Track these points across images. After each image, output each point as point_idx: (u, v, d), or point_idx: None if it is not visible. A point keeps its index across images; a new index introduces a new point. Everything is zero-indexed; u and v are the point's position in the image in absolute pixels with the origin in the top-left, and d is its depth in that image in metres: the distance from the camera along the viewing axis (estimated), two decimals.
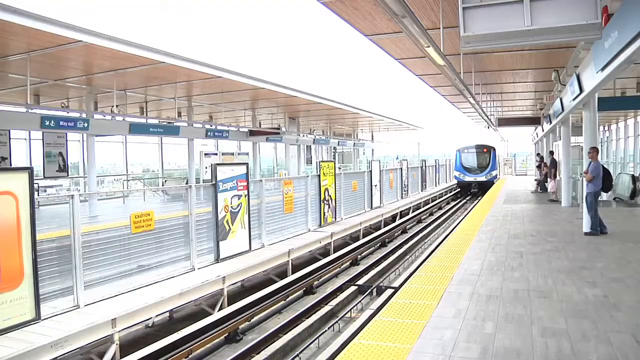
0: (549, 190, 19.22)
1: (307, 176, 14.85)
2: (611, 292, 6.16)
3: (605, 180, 10.60)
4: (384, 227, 17.74)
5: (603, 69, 7.57)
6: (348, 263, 12.90)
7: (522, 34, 5.48)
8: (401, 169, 24.36)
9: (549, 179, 20.30)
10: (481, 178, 32.36)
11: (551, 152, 21.92)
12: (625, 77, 14.08)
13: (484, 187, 30.89)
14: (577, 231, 10.92)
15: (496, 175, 33.69)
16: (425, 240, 16.31)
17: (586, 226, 10.69)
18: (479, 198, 27.06)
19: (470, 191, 33.15)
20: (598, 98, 11.19)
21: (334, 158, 37.28)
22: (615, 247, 9.08)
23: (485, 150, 33.22)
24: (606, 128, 34.10)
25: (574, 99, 11.15)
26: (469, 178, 32.70)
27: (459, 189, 34.30)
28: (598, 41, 6.83)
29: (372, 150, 42.22)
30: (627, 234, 9.84)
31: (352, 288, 10.13)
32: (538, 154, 29.63)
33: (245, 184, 10.80)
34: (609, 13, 6.16)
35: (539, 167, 24.84)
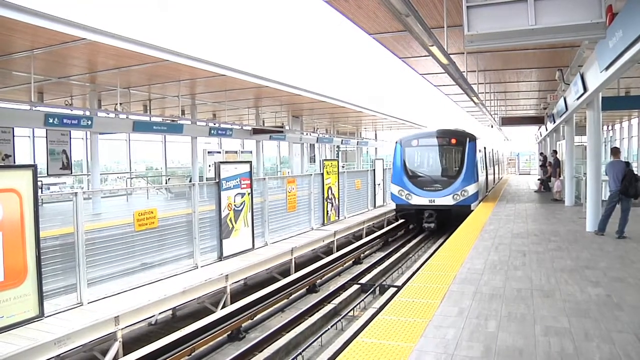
0: (554, 189, 19.17)
1: (311, 175, 14.88)
2: (614, 291, 6.14)
3: (624, 183, 9.58)
4: (387, 225, 17.74)
5: (607, 68, 7.55)
6: (351, 262, 12.90)
7: (526, 33, 5.47)
8: None
9: (552, 179, 20.26)
10: (443, 200, 15.80)
11: (554, 152, 21.88)
12: (630, 77, 14.02)
13: (449, 219, 15.48)
14: (581, 230, 10.90)
15: (476, 194, 16.14)
16: (429, 239, 16.29)
17: (591, 225, 10.68)
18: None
19: (424, 225, 16.05)
20: (602, 97, 11.15)
21: (338, 157, 37.29)
22: (618, 247, 9.05)
23: (453, 141, 16.79)
24: (610, 127, 34.03)
25: (578, 99, 11.12)
26: (418, 199, 16.08)
27: (402, 219, 17.86)
28: (602, 40, 6.81)
29: (376, 148, 42.19)
30: (630, 234, 9.80)
31: (355, 287, 10.14)
32: (541, 153, 29.50)
33: (249, 182, 10.82)
34: (613, 12, 6.13)
35: (542, 166, 24.76)
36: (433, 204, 15.82)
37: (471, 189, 15.77)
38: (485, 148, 19.80)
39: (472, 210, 15.35)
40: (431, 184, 16.06)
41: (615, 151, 10.48)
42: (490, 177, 22.74)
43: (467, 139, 16.45)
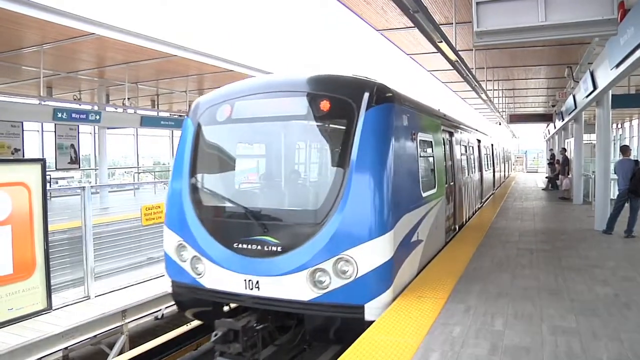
0: (562, 187, 19.04)
1: None
2: (623, 290, 6.09)
3: (633, 181, 9.45)
4: None
5: (618, 65, 7.47)
6: None
7: (536, 29, 5.42)
8: None
9: (560, 176, 20.12)
10: (282, 284, 5.10)
11: (563, 149, 21.73)
12: None
13: (302, 338, 5.62)
14: (589, 229, 10.81)
15: (388, 266, 5.15)
16: None
17: (599, 224, 10.61)
18: None
19: (225, 353, 5.05)
20: (612, 95, 11.04)
21: None
22: (627, 246, 8.98)
23: (324, 105, 5.42)
24: (619, 125, 33.76)
25: (587, 96, 11.02)
26: (219, 276, 5.34)
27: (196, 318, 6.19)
28: (613, 37, 6.73)
29: None
30: (639, 233, 9.72)
31: None
32: (551, 150, 29.27)
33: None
34: (625, 8, 6.06)
35: (550, 164, 24.58)
36: (255, 294, 5.35)
37: (370, 251, 5.16)
38: (452, 133, 9.56)
39: (370, 323, 4.98)
40: (256, 234, 5.36)
41: (625, 149, 10.37)
42: (474, 189, 13.09)
43: (366, 98, 5.46)
